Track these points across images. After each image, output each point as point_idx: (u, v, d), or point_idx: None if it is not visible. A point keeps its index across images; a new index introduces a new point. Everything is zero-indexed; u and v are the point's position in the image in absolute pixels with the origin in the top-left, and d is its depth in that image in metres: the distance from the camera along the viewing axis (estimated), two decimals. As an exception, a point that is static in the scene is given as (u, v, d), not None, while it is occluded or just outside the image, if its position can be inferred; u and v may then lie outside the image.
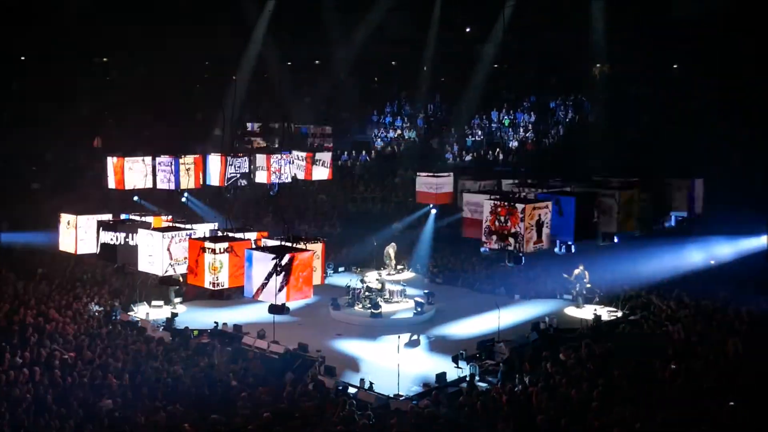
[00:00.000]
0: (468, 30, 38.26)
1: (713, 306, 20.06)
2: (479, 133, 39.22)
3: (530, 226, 15.70)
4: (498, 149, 37.16)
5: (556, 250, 17.12)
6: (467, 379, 16.74)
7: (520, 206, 16.14)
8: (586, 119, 36.83)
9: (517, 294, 24.24)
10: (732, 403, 12.88)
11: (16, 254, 26.28)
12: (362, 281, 23.26)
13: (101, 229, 18.06)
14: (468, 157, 37.39)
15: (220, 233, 16.28)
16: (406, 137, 40.79)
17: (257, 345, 18.79)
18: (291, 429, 13.15)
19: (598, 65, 36.14)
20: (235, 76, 35.59)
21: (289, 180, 28.38)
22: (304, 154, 28.37)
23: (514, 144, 37.89)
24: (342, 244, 29.37)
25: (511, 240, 15.70)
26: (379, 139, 41.60)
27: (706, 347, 16.42)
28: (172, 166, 25.28)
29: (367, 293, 22.66)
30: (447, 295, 24.41)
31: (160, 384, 15.13)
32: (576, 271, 22.72)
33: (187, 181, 25.72)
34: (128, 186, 25.26)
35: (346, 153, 40.12)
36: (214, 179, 26.43)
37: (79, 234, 18.53)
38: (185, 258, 15.95)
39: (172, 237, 16.34)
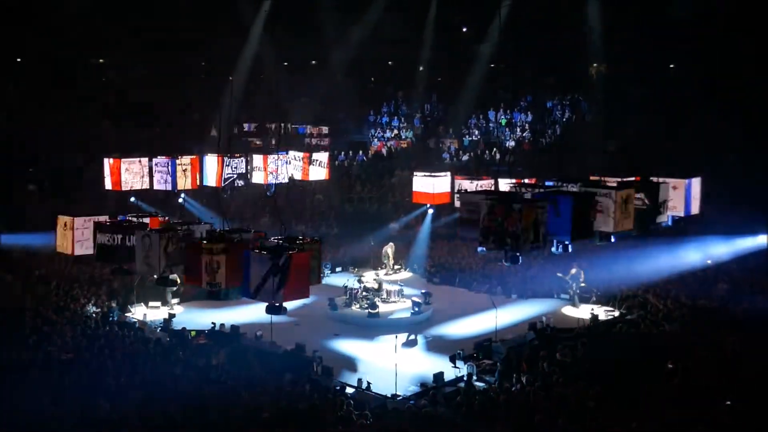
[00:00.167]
0: (464, 30, 38.29)
1: (710, 305, 20.09)
2: (476, 132, 39.24)
3: (527, 226, 15.69)
4: (495, 149, 37.17)
5: (553, 249, 17.08)
6: (465, 378, 16.76)
7: (516, 206, 16.13)
8: (583, 119, 36.87)
9: (514, 293, 24.27)
10: (729, 402, 12.92)
11: (15, 256, 26.24)
12: (359, 281, 23.27)
13: (98, 230, 18.04)
14: (465, 157, 37.40)
15: (217, 234, 16.25)
16: (403, 137, 40.80)
17: (255, 345, 18.76)
18: (290, 429, 13.16)
19: (595, 65, 36.20)
20: (232, 76, 35.55)
21: (286, 180, 28.39)
22: (301, 154, 28.42)
23: (511, 144, 37.92)
24: (339, 244, 29.42)
25: (508, 240, 15.70)
26: (375, 139, 41.59)
27: (703, 346, 16.46)
28: (169, 167, 25.29)
29: (364, 293, 22.65)
30: (444, 294, 24.41)
31: (158, 385, 15.11)
32: (572, 271, 22.74)
33: (184, 182, 25.73)
34: (125, 187, 25.25)
35: (343, 153, 40.11)
36: (211, 180, 26.44)
37: (76, 235, 18.51)
38: (182, 259, 15.94)
39: (170, 238, 16.32)
